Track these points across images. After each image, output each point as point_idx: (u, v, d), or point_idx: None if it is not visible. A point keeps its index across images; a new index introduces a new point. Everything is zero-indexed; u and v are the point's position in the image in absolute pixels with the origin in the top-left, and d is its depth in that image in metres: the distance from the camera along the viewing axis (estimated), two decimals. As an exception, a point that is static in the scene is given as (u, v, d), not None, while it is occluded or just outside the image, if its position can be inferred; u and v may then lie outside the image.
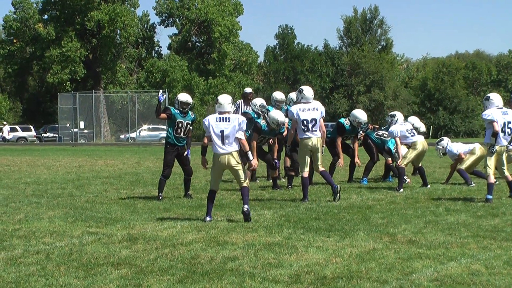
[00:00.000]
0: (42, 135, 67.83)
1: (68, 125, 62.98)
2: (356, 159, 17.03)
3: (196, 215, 11.97)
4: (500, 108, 13.34)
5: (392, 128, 16.40)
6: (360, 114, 16.98)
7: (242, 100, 19.42)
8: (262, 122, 15.62)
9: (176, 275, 7.61)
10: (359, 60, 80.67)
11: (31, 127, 69.39)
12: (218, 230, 10.32)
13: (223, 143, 11.10)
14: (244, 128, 11.29)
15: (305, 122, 13.61)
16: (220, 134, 11.10)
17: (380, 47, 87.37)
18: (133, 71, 78.06)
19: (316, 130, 13.67)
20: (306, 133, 13.63)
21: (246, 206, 11.14)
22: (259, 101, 17.32)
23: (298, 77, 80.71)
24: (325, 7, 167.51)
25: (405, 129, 16.31)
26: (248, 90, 19.97)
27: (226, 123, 11.15)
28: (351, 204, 13.26)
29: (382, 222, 11.01)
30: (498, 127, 13.13)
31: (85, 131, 62.16)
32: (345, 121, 16.99)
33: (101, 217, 11.90)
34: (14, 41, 71.95)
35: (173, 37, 77.05)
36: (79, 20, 68.65)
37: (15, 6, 71.73)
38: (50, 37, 67.56)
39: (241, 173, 11.33)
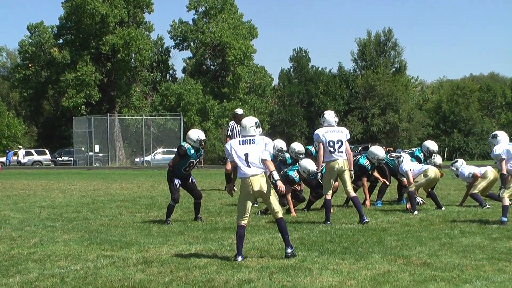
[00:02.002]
0: (57, 158, 68.03)
1: (83, 148, 63.08)
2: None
3: (211, 238, 11.98)
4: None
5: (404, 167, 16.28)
6: (378, 151, 17.23)
7: (234, 121, 20.14)
8: (295, 175, 15.64)
9: (190, 298, 7.62)
10: (373, 83, 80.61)
11: (46, 151, 69.48)
12: (232, 253, 10.31)
13: (248, 165, 9.97)
14: (270, 149, 10.26)
15: (331, 143, 13.70)
16: (244, 157, 10.01)
17: (394, 69, 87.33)
18: (148, 95, 78.34)
19: (342, 152, 13.75)
20: (333, 154, 13.71)
21: (289, 249, 10.00)
22: (279, 143, 17.28)
23: (312, 99, 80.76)
24: (339, 30, 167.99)
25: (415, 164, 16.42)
26: (239, 111, 20.39)
27: (250, 145, 10.11)
28: (365, 226, 13.21)
29: (397, 244, 10.98)
30: (505, 168, 13.31)
31: (100, 154, 62.21)
32: (365, 163, 17.17)
33: (116, 240, 11.93)
34: (30, 65, 72.49)
35: (188, 61, 77.31)
36: (94, 44, 69.15)
37: (31, 30, 72.32)
38: (65, 61, 68.02)
39: (275, 200, 10.15)
